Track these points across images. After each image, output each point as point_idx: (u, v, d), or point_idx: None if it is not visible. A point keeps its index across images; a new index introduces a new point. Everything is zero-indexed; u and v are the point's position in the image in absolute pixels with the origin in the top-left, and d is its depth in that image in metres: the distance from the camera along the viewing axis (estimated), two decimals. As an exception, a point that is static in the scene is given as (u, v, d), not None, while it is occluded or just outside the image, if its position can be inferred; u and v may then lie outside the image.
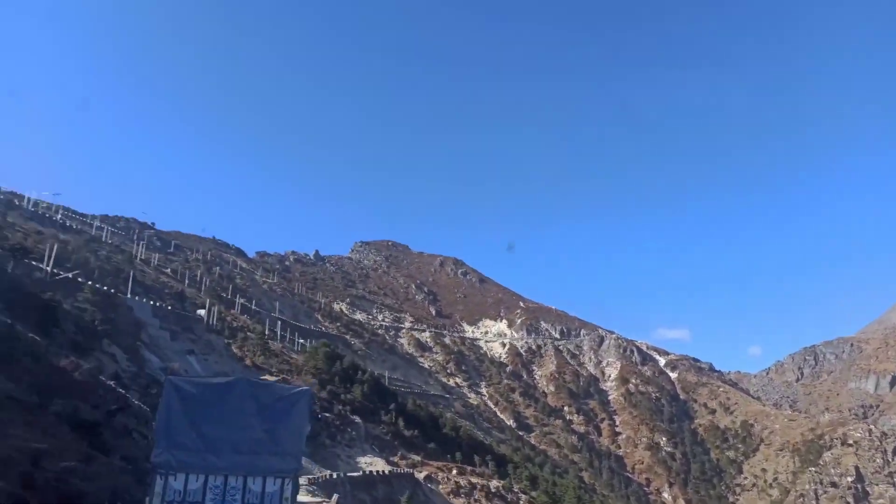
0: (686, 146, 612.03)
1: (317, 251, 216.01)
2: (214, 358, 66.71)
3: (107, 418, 17.92)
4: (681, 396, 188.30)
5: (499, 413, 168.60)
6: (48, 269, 53.48)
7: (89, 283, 55.48)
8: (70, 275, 53.14)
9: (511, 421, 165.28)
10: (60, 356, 21.58)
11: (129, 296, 63.63)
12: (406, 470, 57.99)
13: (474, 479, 65.21)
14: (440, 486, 62.27)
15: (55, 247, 58.75)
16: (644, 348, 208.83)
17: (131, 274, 69.20)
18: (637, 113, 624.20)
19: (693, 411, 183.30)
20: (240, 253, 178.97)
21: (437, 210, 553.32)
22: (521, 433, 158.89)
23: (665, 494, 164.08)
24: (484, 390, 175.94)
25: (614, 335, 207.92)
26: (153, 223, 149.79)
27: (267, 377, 67.29)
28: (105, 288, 59.82)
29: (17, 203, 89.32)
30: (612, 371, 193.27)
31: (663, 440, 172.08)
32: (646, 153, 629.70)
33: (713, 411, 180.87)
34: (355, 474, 48.07)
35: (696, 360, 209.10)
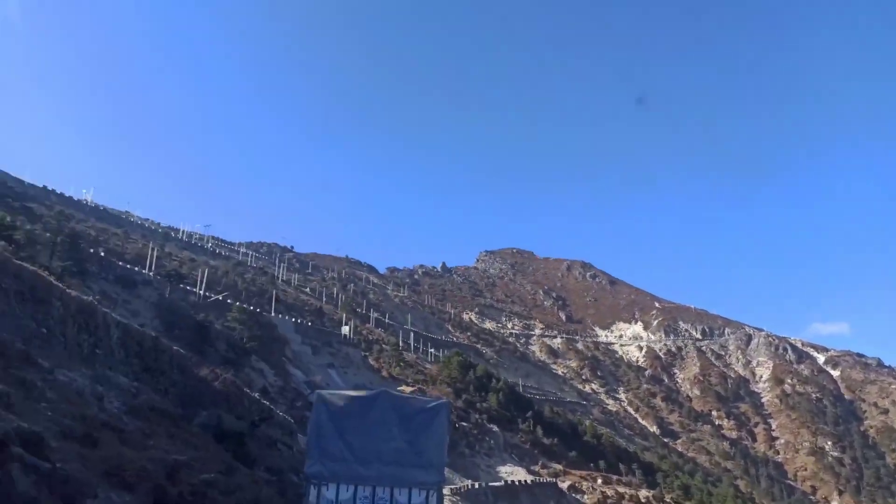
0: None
1: (443, 263, 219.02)
2: (353, 370, 68.61)
3: (251, 429, 18.11)
4: (846, 396, 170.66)
5: (640, 419, 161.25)
6: (201, 292, 57.49)
7: (237, 303, 59.04)
8: (220, 297, 56.78)
9: (654, 427, 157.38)
10: (203, 367, 22.32)
11: (272, 314, 67.11)
12: (549, 479, 56.14)
13: (621, 489, 61.97)
14: (585, 497, 59.71)
15: (206, 272, 63.19)
16: (799, 345, 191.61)
17: (274, 294, 72.93)
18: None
19: (861, 412, 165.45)
20: (371, 269, 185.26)
21: (560, 213, 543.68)
22: (665, 440, 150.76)
23: (835, 503, 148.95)
24: (622, 396, 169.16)
25: (763, 332, 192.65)
26: (292, 246, 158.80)
27: (403, 388, 68.18)
28: (251, 308, 63.40)
29: (172, 235, 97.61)
30: (764, 371, 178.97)
31: (828, 444, 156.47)
32: (782, 136, 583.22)
33: (885, 411, 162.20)
34: (497, 484, 47.02)
35: (860, 356, 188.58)
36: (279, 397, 49.19)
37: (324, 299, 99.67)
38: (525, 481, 50.92)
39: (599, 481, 63.13)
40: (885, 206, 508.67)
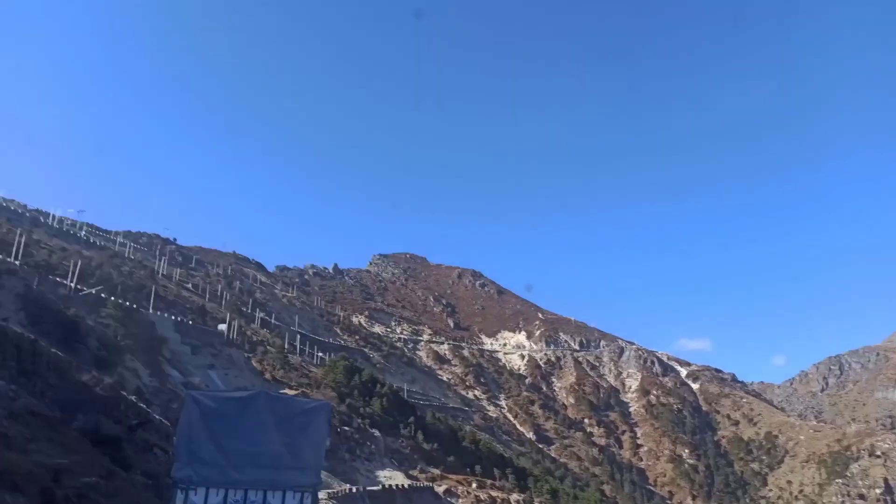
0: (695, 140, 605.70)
1: (335, 265, 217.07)
2: (235, 372, 67.13)
3: (128, 433, 18.05)
4: (703, 408, 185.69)
5: (518, 426, 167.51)
6: (72, 284, 54.29)
7: (112, 298, 56.27)
8: (93, 290, 53.88)
9: (531, 433, 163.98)
10: (83, 371, 21.76)
11: (151, 311, 64.42)
12: (426, 483, 57.72)
13: (494, 493, 64.70)
14: (460, 501, 61.85)
15: (79, 263, 59.72)
16: (665, 359, 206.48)
17: (153, 289, 69.93)
18: (643, 106, 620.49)
19: (716, 423, 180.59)
20: (260, 267, 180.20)
21: (454, 222, 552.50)
22: (541, 446, 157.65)
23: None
24: (503, 403, 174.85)
25: (634, 346, 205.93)
26: (175, 239, 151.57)
27: (287, 391, 67.55)
28: (128, 303, 60.58)
29: (42, 220, 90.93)
30: (633, 382, 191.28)
31: (686, 452, 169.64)
32: (655, 149, 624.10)
33: (736, 423, 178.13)
34: (374, 488, 47.89)
35: (718, 371, 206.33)
36: (154, 399, 47.46)
37: (207, 297, 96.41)
38: (402, 485, 52.14)
39: (474, 485, 65.52)
40: (746, 225, 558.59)
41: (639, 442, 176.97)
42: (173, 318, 66.75)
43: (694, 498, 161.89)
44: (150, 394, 48.72)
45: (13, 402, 12.14)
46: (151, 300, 66.65)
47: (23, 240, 56.99)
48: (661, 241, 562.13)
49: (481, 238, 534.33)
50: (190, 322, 69.85)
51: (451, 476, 66.65)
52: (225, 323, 76.12)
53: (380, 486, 48.08)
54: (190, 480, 9.49)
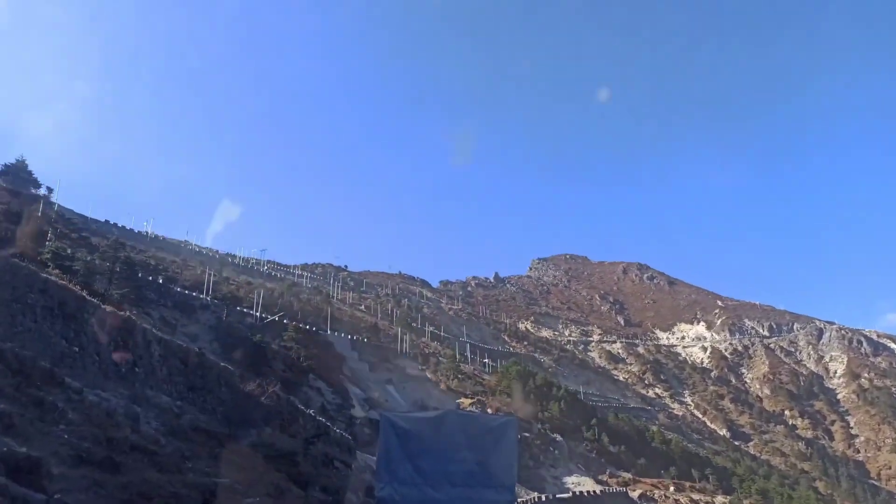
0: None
1: (496, 273, 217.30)
2: (412, 385, 67.82)
3: (305, 447, 17.26)
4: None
5: (708, 423, 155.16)
6: (257, 314, 57.74)
7: (293, 323, 59.13)
8: (276, 317, 56.88)
9: (724, 430, 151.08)
10: (248, 380, 21.61)
11: (329, 332, 66.99)
12: (618, 489, 53.86)
13: (696, 496, 59.07)
14: (658, 505, 57.12)
15: (262, 294, 63.64)
16: (874, 337, 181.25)
17: (329, 312, 72.90)
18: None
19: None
20: (425, 284, 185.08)
21: (613, 215, 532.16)
22: (737, 443, 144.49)
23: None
24: (688, 399, 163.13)
25: (835, 325, 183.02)
26: (346, 266, 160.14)
27: (463, 400, 67.01)
28: (308, 327, 63.44)
29: (230, 260, 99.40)
30: (838, 366, 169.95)
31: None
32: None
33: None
34: (564, 496, 45.22)
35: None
36: (338, 415, 48.66)
37: (378, 315, 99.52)
38: (594, 492, 48.89)
39: (672, 489, 60.32)
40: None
41: (853, 432, 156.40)
42: (350, 337, 69.02)
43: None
44: (334, 410, 50.01)
45: (176, 419, 11.51)
46: (328, 322, 69.43)
47: (213, 278, 61.89)
48: (847, 203, 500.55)
49: (643, 228, 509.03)
50: (365, 340, 71.87)
51: (644, 479, 61.97)
52: (402, 339, 77.78)
53: (569, 494, 45.30)
54: (392, 500, 9.74)
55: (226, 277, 71.72)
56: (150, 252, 68.03)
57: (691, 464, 72.45)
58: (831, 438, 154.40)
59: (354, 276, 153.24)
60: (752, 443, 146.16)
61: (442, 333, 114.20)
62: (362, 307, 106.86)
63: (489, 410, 63.50)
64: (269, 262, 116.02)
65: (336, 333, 67.80)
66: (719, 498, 59.43)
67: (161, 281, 50.72)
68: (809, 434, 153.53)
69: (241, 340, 46.52)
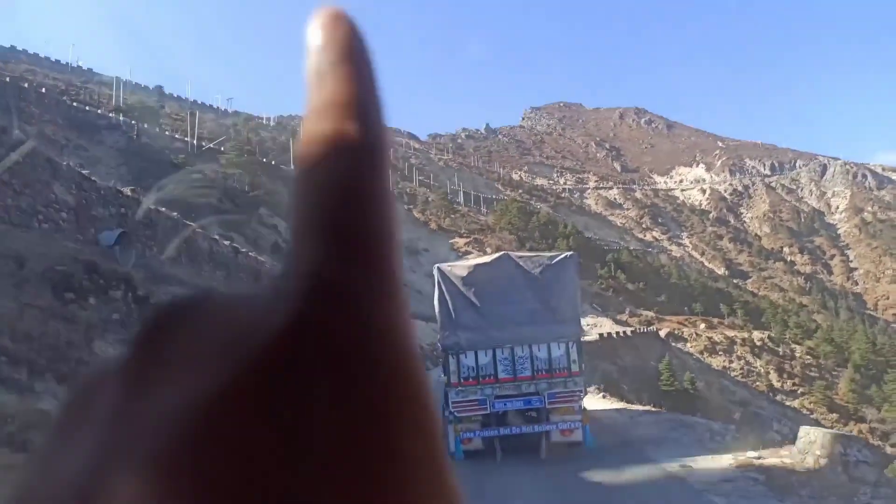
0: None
1: (487, 125, 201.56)
2: (396, 225, 56.37)
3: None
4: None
5: (707, 263, 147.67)
6: (192, 140, 44.60)
7: (241, 151, 45.99)
8: (218, 146, 43.55)
9: (722, 269, 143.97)
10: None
11: (291, 167, 54.45)
12: (648, 329, 44.02)
13: (731, 332, 49.68)
14: (689, 345, 47.49)
15: (199, 120, 50.06)
16: (880, 171, 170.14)
17: (290, 147, 59.54)
18: None
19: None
20: (412, 136, 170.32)
21: (608, 59, 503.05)
22: (735, 280, 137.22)
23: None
24: (686, 241, 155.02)
25: (839, 161, 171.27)
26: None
27: (457, 239, 55.98)
28: (264, 160, 50.71)
29: (180, 98, 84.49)
30: (841, 202, 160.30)
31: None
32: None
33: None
34: (590, 338, 35.12)
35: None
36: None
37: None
38: (623, 332, 38.78)
39: (702, 326, 50.71)
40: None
41: (852, 265, 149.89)
42: (319, 173, 56.72)
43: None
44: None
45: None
46: (291, 158, 56.42)
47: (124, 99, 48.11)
48: (845, 34, 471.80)
49: (640, 70, 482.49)
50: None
51: (669, 318, 52.27)
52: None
53: (597, 336, 35.26)
54: (458, 346, 9.67)
55: (162, 106, 57.33)
56: (64, 78, 53.33)
57: (712, 299, 62.96)
58: (830, 273, 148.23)
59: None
60: (750, 280, 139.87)
61: (432, 182, 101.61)
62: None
63: (487, 249, 52.49)
64: (235, 111, 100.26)
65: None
66: (756, 333, 49.87)
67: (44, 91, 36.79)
68: (808, 269, 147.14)
69: (158, 165, 34.07)
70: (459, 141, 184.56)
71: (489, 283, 9.90)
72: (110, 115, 39.17)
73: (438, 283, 10.07)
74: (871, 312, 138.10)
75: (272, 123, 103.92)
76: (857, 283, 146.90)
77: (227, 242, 15.23)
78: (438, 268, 10.45)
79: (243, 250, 26.67)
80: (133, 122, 38.26)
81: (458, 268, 10.48)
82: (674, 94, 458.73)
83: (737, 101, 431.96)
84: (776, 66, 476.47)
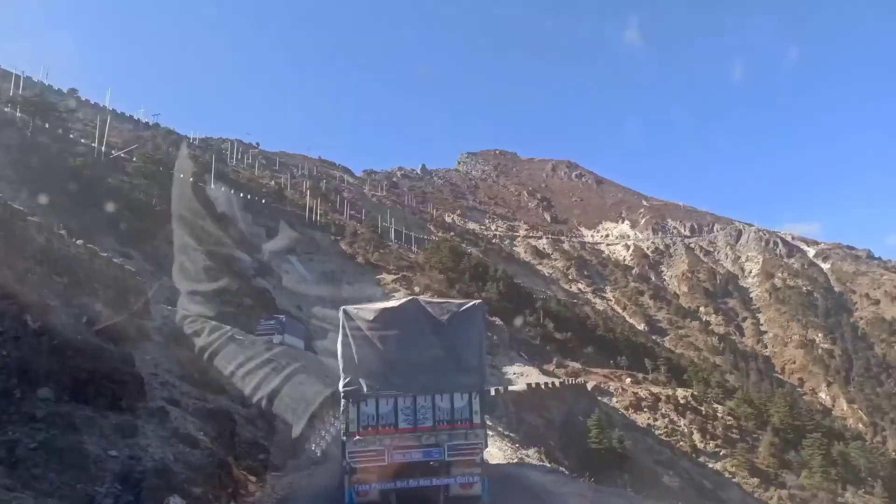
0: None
1: (423, 165, 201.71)
2: (321, 257, 53.06)
3: None
4: (836, 288, 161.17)
5: (628, 318, 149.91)
6: (101, 147, 40.37)
7: (139, 161, 41.88)
8: (122, 153, 39.52)
9: (642, 325, 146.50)
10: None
11: (212, 186, 50.44)
12: (577, 381, 42.45)
13: (655, 389, 48.87)
14: (614, 399, 46.28)
15: (110, 125, 45.75)
16: (789, 239, 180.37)
17: (213, 167, 55.69)
18: None
19: (852, 303, 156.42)
20: (347, 171, 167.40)
21: (544, 113, 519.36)
22: (654, 337, 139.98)
23: (822, 395, 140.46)
24: (610, 295, 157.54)
25: (754, 227, 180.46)
26: (258, 143, 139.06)
27: (384, 276, 53.31)
28: (181, 176, 46.75)
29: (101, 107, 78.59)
30: (754, 266, 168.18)
31: (818, 337, 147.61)
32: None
33: (877, 302, 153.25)
34: (518, 388, 33.04)
35: (850, 248, 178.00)
36: (204, 277, 33.76)
37: (289, 188, 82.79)
38: (551, 384, 36.92)
39: (628, 381, 49.76)
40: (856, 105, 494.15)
41: (762, 328, 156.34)
42: (241, 195, 52.87)
43: (829, 384, 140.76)
44: (200, 272, 35.01)
45: None
46: (212, 176, 52.57)
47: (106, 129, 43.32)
48: (766, 120, 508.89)
49: (575, 126, 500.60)
50: (263, 201, 56.04)
51: (595, 370, 51.12)
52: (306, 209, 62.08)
53: (525, 386, 33.18)
54: (359, 393, 9.24)
55: (73, 110, 52.47)
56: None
57: (637, 354, 62.61)
58: (742, 334, 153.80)
59: (267, 154, 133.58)
60: (668, 337, 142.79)
61: (363, 218, 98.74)
62: (271, 183, 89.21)
63: (416, 288, 50.10)
64: (157, 124, 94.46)
65: (222, 188, 51.21)
66: (680, 391, 49.29)
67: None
68: (722, 330, 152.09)
69: (53, 166, 29.91)
70: (395, 179, 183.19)
71: (395, 328, 9.64)
72: (6, 109, 34.71)
73: (343, 325, 9.67)
74: (779, 376, 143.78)
75: (195, 140, 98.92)
76: (766, 346, 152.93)
77: (79, 242, 12.21)
78: (344, 310, 9.99)
79: (105, 255, 23.22)
80: (28, 118, 33.97)
81: (365, 310, 9.99)
82: (603, 149, 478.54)
83: (662, 162, 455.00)
84: (698, 129, 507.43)
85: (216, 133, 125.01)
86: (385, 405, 9.23)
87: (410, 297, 11.35)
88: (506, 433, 19.85)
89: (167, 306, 20.07)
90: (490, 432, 19.00)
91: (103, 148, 39.89)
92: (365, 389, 9.23)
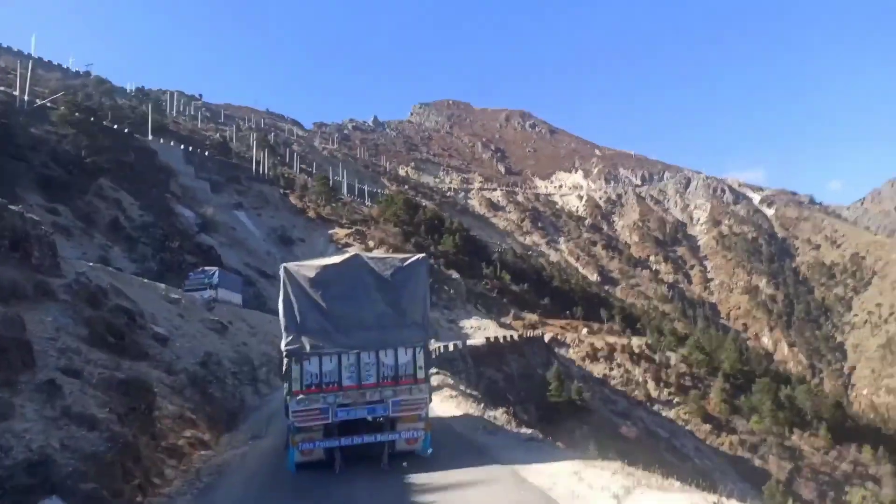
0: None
1: (375, 117, 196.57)
2: (269, 211, 50.75)
3: None
4: (779, 234, 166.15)
5: (581, 268, 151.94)
6: (23, 97, 36.81)
7: (89, 119, 38.74)
8: (53, 104, 36.04)
9: (595, 275, 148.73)
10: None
11: (150, 138, 47.13)
12: (534, 333, 42.18)
13: (611, 339, 49.22)
14: (571, 350, 46.34)
15: (31, 76, 41.86)
16: (736, 186, 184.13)
17: (149, 116, 52.01)
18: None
19: (794, 249, 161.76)
20: (296, 123, 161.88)
21: (497, 62, 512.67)
22: (606, 287, 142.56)
23: (765, 339, 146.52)
24: (563, 246, 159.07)
25: (702, 175, 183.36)
26: (200, 95, 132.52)
27: (337, 230, 51.51)
28: (115, 125, 43.43)
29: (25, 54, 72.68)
30: (702, 214, 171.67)
31: (762, 283, 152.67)
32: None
33: (817, 247, 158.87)
34: (476, 342, 32.37)
35: (794, 194, 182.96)
36: (142, 234, 31.44)
37: (234, 140, 78.97)
38: (509, 337, 36.39)
39: (584, 331, 49.92)
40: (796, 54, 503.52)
41: (709, 276, 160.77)
42: (182, 147, 49.75)
43: (772, 329, 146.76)
44: (134, 228, 32.69)
45: None
46: (149, 128, 49.08)
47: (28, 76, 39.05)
48: (706, 68, 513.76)
49: (527, 74, 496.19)
50: (206, 154, 52.95)
51: (551, 322, 51.08)
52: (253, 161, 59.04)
53: (483, 341, 32.55)
54: (302, 352, 8.96)
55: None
56: None
57: (592, 304, 62.98)
58: (690, 282, 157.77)
59: (211, 106, 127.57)
60: (619, 287, 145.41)
61: (314, 172, 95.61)
62: (216, 136, 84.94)
63: (370, 242, 48.56)
64: (87, 73, 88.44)
65: (162, 141, 48.02)
66: (635, 340, 49.78)
67: None
68: (671, 278, 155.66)
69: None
70: (346, 132, 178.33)
71: (338, 285, 9.42)
72: None
73: (284, 283, 9.37)
74: (725, 322, 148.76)
75: (132, 91, 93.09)
76: (712, 293, 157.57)
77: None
78: (285, 267, 9.74)
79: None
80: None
81: (306, 268, 9.70)
82: (557, 99, 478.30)
83: (614, 110, 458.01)
84: (649, 75, 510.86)
85: (155, 85, 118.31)
86: (328, 363, 9.02)
87: (353, 253, 10.52)
88: (470, 392, 18.91)
89: (90, 263, 18.17)
90: (453, 391, 18.12)
91: (26, 97, 36.40)
92: (308, 348, 8.97)
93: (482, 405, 14.88)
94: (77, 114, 32.94)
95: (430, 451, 9.25)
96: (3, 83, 40.02)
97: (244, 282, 31.54)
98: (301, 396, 8.79)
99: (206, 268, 27.71)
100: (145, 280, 20.50)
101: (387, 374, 9.17)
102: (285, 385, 9.17)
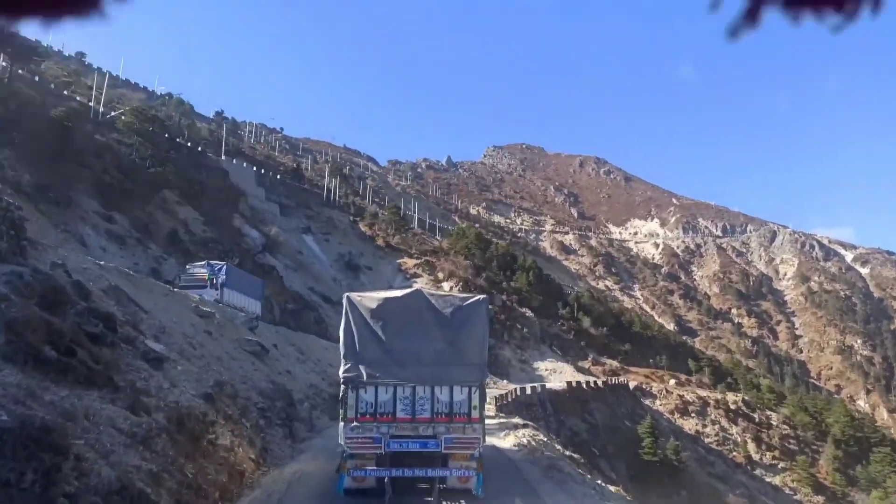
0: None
1: (449, 157, 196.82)
2: (338, 237, 48.67)
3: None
4: (875, 294, 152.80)
5: (657, 317, 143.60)
6: (98, 107, 36.33)
7: (156, 130, 37.80)
8: (113, 112, 35.32)
9: (672, 325, 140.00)
10: None
11: (223, 158, 46.27)
12: (617, 380, 37.54)
13: (702, 392, 43.67)
14: (659, 402, 41.14)
15: (106, 89, 41.80)
16: (826, 242, 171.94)
17: (224, 137, 51.47)
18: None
19: (893, 309, 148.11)
20: (371, 160, 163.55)
21: (572, 108, 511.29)
22: (684, 338, 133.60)
23: (861, 402, 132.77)
24: (638, 293, 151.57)
25: (789, 229, 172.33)
26: (282, 128, 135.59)
27: (405, 260, 48.78)
28: (188, 143, 42.70)
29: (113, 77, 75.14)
30: (789, 269, 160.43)
31: (857, 343, 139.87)
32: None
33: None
34: (556, 387, 28.26)
35: (891, 253, 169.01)
36: (201, 248, 29.44)
37: (309, 170, 78.63)
38: (592, 383, 32.03)
39: (672, 382, 44.54)
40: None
41: (797, 332, 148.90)
42: (255, 169, 48.72)
43: (868, 392, 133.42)
44: (196, 243, 30.80)
45: None
46: (223, 149, 48.35)
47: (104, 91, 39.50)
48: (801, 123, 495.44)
49: (604, 123, 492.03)
50: (278, 177, 51.78)
51: (634, 369, 46.00)
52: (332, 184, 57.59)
53: (564, 385, 28.44)
54: (359, 380, 9.15)
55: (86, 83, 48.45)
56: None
57: (676, 354, 57.24)
58: (776, 338, 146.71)
59: (290, 139, 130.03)
60: (698, 338, 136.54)
61: (385, 205, 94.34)
62: (292, 164, 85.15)
63: (440, 274, 45.47)
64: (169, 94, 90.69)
65: (234, 161, 47.05)
66: (730, 395, 43.92)
67: None
68: (755, 333, 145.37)
69: (28, 112, 25.91)
70: (419, 170, 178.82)
71: (398, 318, 9.46)
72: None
73: (346, 312, 9.47)
74: (815, 381, 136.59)
75: (211, 116, 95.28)
76: (801, 351, 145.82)
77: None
78: (348, 296, 9.74)
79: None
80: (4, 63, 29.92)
81: (368, 299, 9.74)
82: (633, 147, 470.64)
83: (693, 161, 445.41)
84: (732, 128, 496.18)
85: (239, 117, 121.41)
86: (384, 393, 9.05)
87: (415, 288, 10.76)
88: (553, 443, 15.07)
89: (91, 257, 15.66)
90: (537, 432, 14.79)
91: (101, 108, 35.96)
92: (364, 377, 9.07)
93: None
94: (144, 123, 31.69)
95: (481, 493, 8.96)
96: (85, 97, 40.05)
97: (304, 306, 28.80)
98: (355, 424, 8.80)
99: (213, 262, 22.90)
100: (175, 289, 17.89)
101: (441, 411, 9.06)
102: (340, 411, 9.11)
